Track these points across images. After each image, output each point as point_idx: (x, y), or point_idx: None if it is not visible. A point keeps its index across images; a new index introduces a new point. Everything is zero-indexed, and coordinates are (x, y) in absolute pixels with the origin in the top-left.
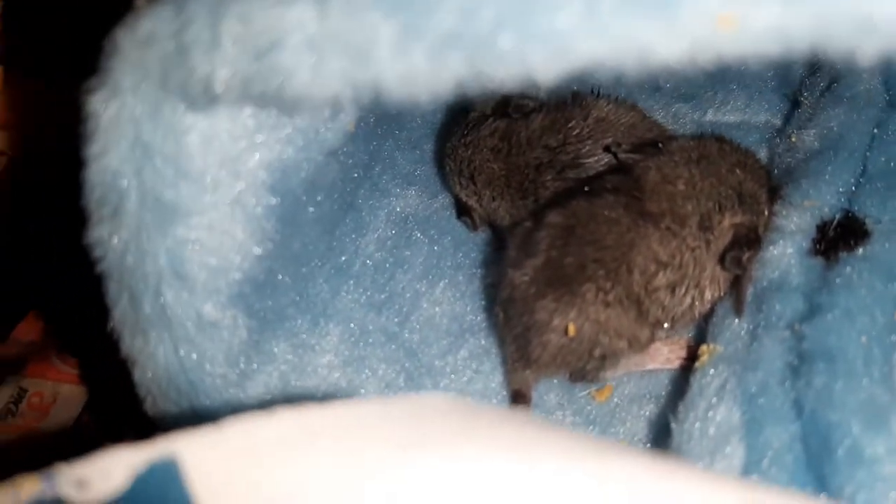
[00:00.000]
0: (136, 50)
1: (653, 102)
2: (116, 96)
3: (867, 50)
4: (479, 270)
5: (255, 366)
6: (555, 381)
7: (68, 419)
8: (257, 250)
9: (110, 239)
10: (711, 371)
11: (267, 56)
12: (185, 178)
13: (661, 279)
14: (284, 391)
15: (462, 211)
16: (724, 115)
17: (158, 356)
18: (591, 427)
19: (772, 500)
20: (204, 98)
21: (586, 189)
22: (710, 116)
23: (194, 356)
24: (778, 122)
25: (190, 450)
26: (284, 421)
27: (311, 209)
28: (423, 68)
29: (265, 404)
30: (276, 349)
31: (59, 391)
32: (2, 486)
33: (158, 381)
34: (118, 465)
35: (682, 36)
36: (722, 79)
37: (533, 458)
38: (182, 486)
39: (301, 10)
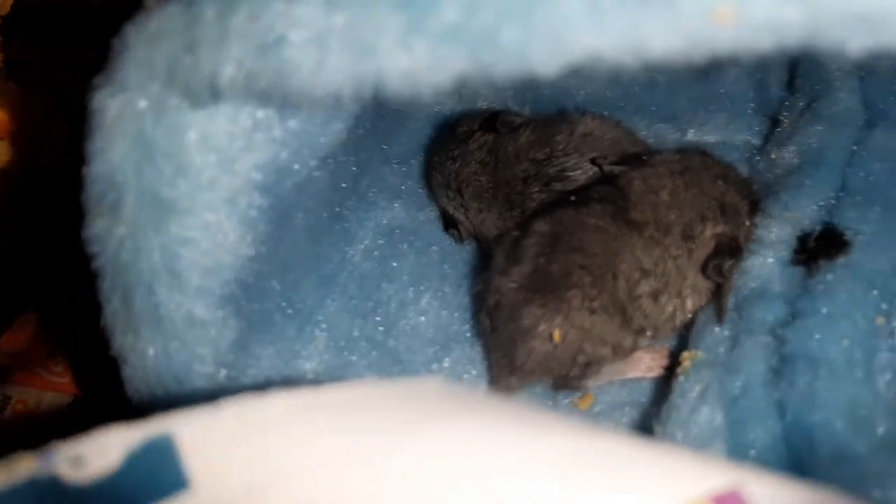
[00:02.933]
0: (144, 47)
1: (635, 122)
2: (122, 92)
3: (857, 44)
4: (464, 281)
5: (240, 368)
6: (537, 389)
7: (52, 427)
8: (249, 252)
9: (107, 235)
10: (693, 375)
11: (272, 51)
12: (184, 176)
13: (645, 287)
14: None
15: (449, 224)
16: (705, 134)
17: (148, 353)
18: None
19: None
20: (208, 94)
21: (573, 199)
22: (691, 136)
23: (184, 354)
24: (757, 141)
25: (185, 428)
26: (279, 401)
27: (300, 215)
28: (425, 62)
29: None
30: (262, 353)
31: (44, 399)
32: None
33: (147, 379)
34: (114, 442)
35: (680, 29)
36: (703, 100)
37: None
38: (177, 464)
39: (309, 5)
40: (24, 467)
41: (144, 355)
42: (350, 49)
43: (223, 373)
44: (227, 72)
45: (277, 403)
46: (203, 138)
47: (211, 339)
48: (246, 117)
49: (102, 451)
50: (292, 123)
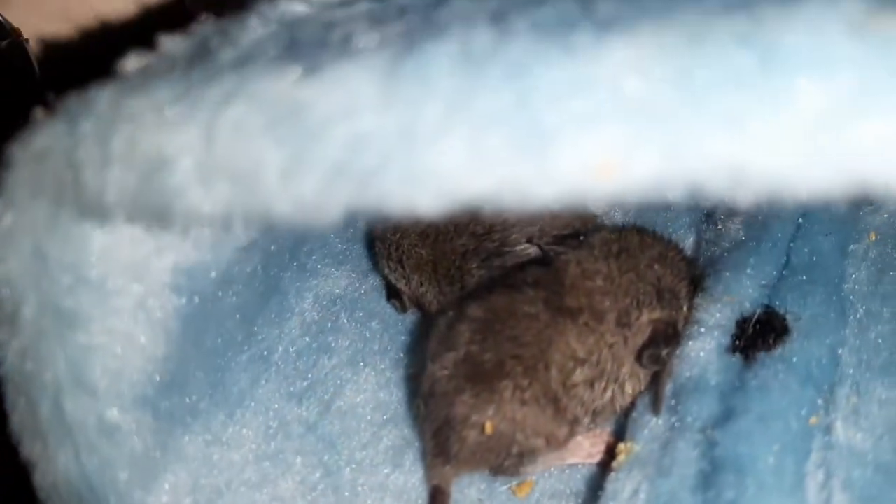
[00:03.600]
0: (30, 164)
1: None
2: (12, 209)
3: (743, 197)
4: (405, 356)
5: (161, 467)
6: (476, 475)
7: None
8: (161, 351)
9: (8, 344)
10: (624, 475)
11: (155, 177)
12: (85, 286)
13: (579, 376)
14: (193, 489)
15: (391, 293)
16: None
17: (59, 462)
18: None
19: None
20: (97, 213)
21: (509, 282)
22: None
23: (96, 461)
24: (707, 205)
25: None
26: None
27: (227, 301)
28: (311, 196)
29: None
30: (186, 447)
31: None
32: None
33: (58, 487)
34: None
35: (558, 181)
36: None
37: None
38: None
39: (189, 136)
40: None
41: (54, 463)
42: (233, 181)
43: (139, 475)
44: (112, 195)
45: None
46: (103, 249)
47: (125, 442)
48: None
49: None
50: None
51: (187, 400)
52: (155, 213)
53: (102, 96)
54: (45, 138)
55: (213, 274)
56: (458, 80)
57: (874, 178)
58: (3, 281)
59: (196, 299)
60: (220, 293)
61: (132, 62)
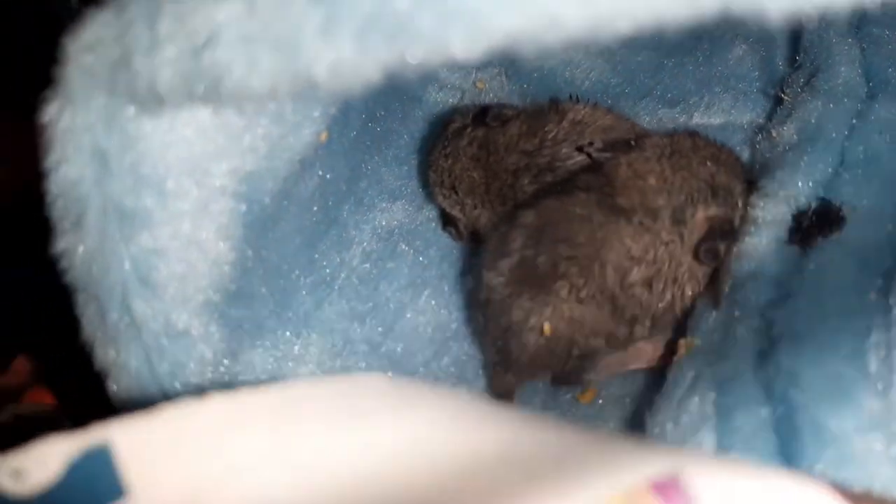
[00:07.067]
0: (83, 57)
1: (639, 109)
2: (70, 105)
3: (774, 9)
4: (463, 280)
5: (231, 376)
6: (539, 385)
7: None
8: (228, 258)
9: (74, 250)
10: (687, 363)
11: (203, 53)
12: (146, 186)
13: (636, 275)
14: None
15: (446, 221)
16: (710, 117)
17: (130, 367)
18: None
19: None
20: (151, 101)
21: (558, 188)
22: (696, 120)
23: (166, 366)
24: (762, 120)
25: (122, 436)
26: (217, 405)
27: (286, 220)
28: (349, 55)
29: None
30: (255, 359)
31: None
32: None
33: (131, 393)
34: (53, 453)
35: (591, 4)
36: (708, 82)
37: (460, 433)
38: (114, 472)
39: (231, 6)
40: None
41: (127, 369)
42: (275, 47)
43: (210, 382)
44: (164, 77)
45: (215, 409)
46: (163, 147)
47: (194, 348)
48: (207, 123)
49: (42, 463)
50: (259, 128)
51: (254, 313)
52: (205, 93)
53: None
54: (95, 28)
55: (270, 184)
56: None
57: None
58: (67, 183)
59: (256, 208)
60: (278, 208)
61: None
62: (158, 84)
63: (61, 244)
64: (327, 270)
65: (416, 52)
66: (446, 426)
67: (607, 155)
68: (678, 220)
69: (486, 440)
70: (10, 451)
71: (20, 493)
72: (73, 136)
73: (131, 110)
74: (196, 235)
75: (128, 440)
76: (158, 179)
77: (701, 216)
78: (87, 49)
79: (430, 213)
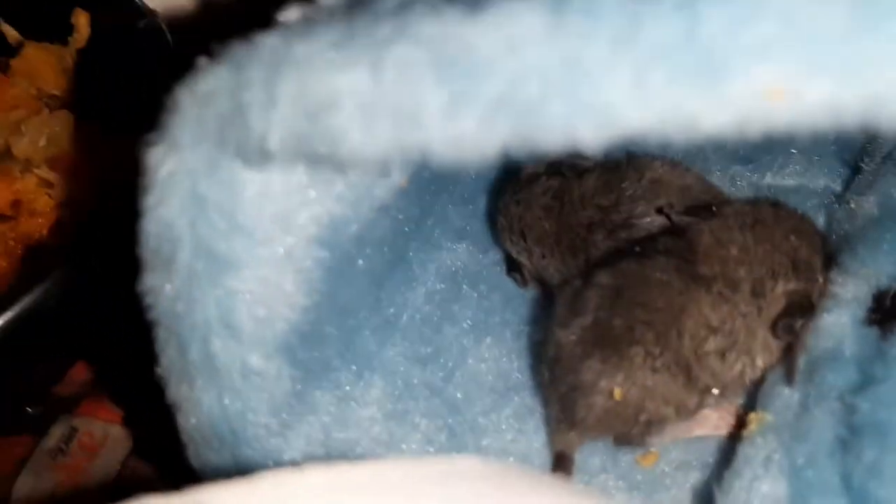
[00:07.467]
0: (195, 108)
1: (711, 164)
2: (175, 152)
3: None
4: (526, 328)
5: (297, 416)
6: (599, 444)
7: (116, 461)
8: (305, 302)
9: (162, 287)
10: (759, 440)
11: (320, 118)
12: (238, 232)
13: (711, 344)
14: (325, 443)
15: (512, 267)
16: (783, 178)
17: (203, 403)
18: (634, 493)
19: None
20: (259, 156)
21: (637, 250)
22: (768, 180)
23: (238, 405)
24: (837, 187)
25: (219, 502)
26: (314, 477)
27: (360, 262)
28: (470, 133)
29: (306, 455)
30: (318, 400)
31: (110, 432)
32: None
33: (201, 429)
34: None
35: (729, 108)
36: (781, 142)
37: None
38: None
39: (355, 76)
40: None
41: (199, 405)
42: (395, 118)
43: (277, 422)
44: (276, 136)
45: (312, 480)
46: (258, 196)
47: (266, 388)
48: (301, 174)
49: None
50: (348, 177)
51: (322, 354)
52: (317, 156)
53: (268, 42)
54: (211, 82)
55: (352, 230)
56: (626, 12)
57: None
58: (162, 224)
59: (337, 253)
60: (355, 252)
61: (293, 13)
62: (269, 142)
63: (149, 281)
64: (391, 310)
65: (541, 138)
66: None
67: (688, 219)
68: (758, 293)
69: None
70: None
71: None
72: (174, 181)
73: (236, 163)
74: (279, 280)
75: None
76: (250, 226)
77: (780, 290)
78: (199, 100)
79: (495, 256)
